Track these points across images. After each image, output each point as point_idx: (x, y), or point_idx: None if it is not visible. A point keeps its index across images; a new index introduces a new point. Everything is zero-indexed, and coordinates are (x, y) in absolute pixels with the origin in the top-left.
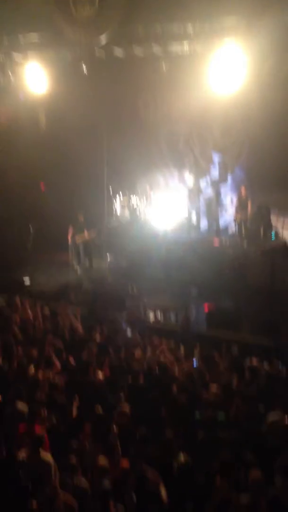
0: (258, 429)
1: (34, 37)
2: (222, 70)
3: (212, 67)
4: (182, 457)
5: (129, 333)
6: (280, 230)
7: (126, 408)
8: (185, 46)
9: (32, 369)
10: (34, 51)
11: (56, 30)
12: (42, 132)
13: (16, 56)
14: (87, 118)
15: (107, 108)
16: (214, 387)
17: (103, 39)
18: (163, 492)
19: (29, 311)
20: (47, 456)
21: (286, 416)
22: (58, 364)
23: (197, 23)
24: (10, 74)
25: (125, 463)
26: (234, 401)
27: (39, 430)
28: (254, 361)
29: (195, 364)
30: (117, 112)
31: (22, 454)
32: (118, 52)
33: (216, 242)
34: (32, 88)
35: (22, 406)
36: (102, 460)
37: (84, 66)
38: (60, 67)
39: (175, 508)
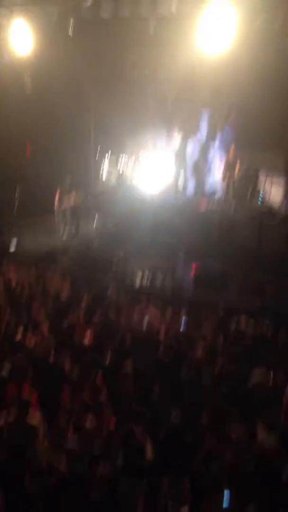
0: (244, 387)
1: None
2: (210, 30)
3: (201, 27)
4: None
5: (116, 295)
6: (268, 191)
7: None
8: (173, 7)
9: (19, 332)
10: (20, 8)
11: None
12: (27, 94)
13: (1, 13)
14: (74, 79)
15: (93, 69)
16: (200, 346)
17: None
18: (149, 449)
19: (15, 275)
20: (34, 418)
21: (270, 375)
22: (45, 327)
23: None
24: None
25: (112, 423)
26: (219, 360)
27: (27, 391)
28: (241, 321)
29: (182, 324)
30: (104, 73)
31: (10, 417)
32: (105, 12)
33: (203, 204)
34: (18, 48)
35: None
36: (91, 421)
37: (70, 26)
38: (46, 26)
39: (164, 465)
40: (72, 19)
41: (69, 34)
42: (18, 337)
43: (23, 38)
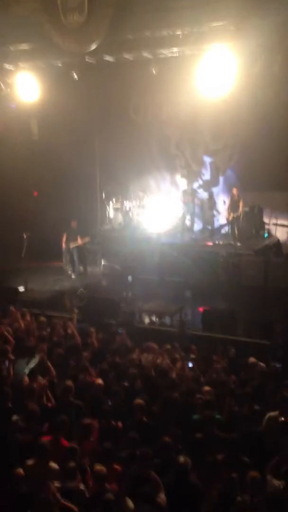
0: (255, 429)
1: (24, 46)
2: (211, 74)
3: (202, 70)
4: (180, 459)
5: (124, 337)
6: (273, 230)
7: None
8: (175, 51)
9: (26, 378)
10: (25, 60)
11: (46, 39)
12: (34, 140)
13: (7, 66)
14: (79, 124)
15: (98, 114)
16: (209, 388)
17: (93, 46)
18: (162, 496)
19: (24, 319)
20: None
21: (281, 415)
22: (53, 370)
23: (186, 27)
24: (1, 84)
25: (119, 468)
26: (228, 402)
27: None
28: (251, 361)
29: (190, 366)
30: (108, 117)
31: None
32: (108, 57)
33: (209, 244)
34: (24, 97)
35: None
36: (100, 466)
37: (74, 73)
38: (51, 75)
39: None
40: (76, 65)
41: (74, 79)
42: (26, 381)
43: (29, 87)
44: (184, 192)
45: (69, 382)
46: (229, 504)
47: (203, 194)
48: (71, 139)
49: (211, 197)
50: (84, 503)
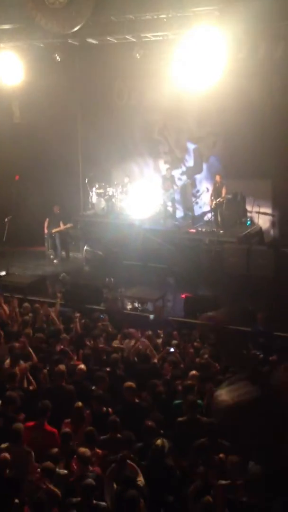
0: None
1: (6, 26)
2: (196, 59)
3: (186, 56)
4: (160, 442)
5: (106, 323)
6: (255, 218)
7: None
8: (159, 35)
9: (8, 362)
10: (7, 40)
11: (28, 19)
12: (16, 123)
13: None
14: (61, 107)
15: (80, 97)
16: (192, 374)
17: (76, 28)
18: (141, 479)
19: (5, 305)
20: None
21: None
22: (35, 356)
23: (171, 11)
24: None
25: (103, 452)
26: (209, 387)
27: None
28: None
29: (171, 351)
30: (91, 101)
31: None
32: (92, 39)
33: (192, 230)
34: (6, 79)
35: None
36: (85, 451)
37: (57, 55)
38: (33, 56)
39: (154, 495)
40: (59, 47)
41: (57, 60)
42: (7, 367)
43: (11, 68)
44: (164, 177)
45: (62, 367)
46: (210, 487)
47: (185, 181)
48: (53, 122)
49: (193, 183)
50: (67, 487)
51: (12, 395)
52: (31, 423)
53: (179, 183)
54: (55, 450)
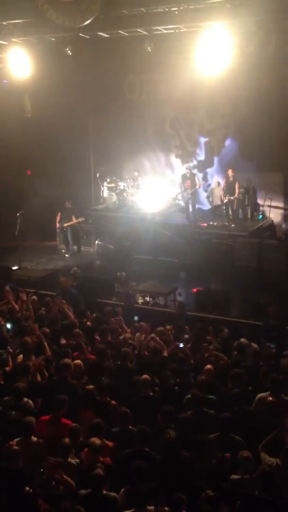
0: (246, 409)
1: (17, 20)
2: (207, 52)
3: (197, 49)
4: (170, 435)
5: (118, 317)
6: (267, 212)
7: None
8: (170, 28)
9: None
10: (18, 35)
11: (39, 14)
12: (27, 118)
13: (0, 40)
14: (72, 101)
15: (92, 91)
16: (207, 368)
17: (87, 21)
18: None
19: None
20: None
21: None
22: (48, 350)
23: (182, 4)
24: None
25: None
26: (223, 382)
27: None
28: (243, 342)
29: (181, 346)
30: (103, 95)
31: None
32: (103, 33)
33: (203, 224)
34: (17, 73)
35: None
36: (96, 441)
37: (68, 49)
38: (44, 51)
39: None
40: (70, 41)
41: (68, 54)
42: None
43: (22, 62)
44: (183, 176)
45: (68, 360)
46: (221, 482)
47: (197, 174)
48: (64, 117)
49: (204, 177)
50: (79, 477)
51: (23, 387)
52: (46, 417)
53: (191, 177)
54: (67, 440)
